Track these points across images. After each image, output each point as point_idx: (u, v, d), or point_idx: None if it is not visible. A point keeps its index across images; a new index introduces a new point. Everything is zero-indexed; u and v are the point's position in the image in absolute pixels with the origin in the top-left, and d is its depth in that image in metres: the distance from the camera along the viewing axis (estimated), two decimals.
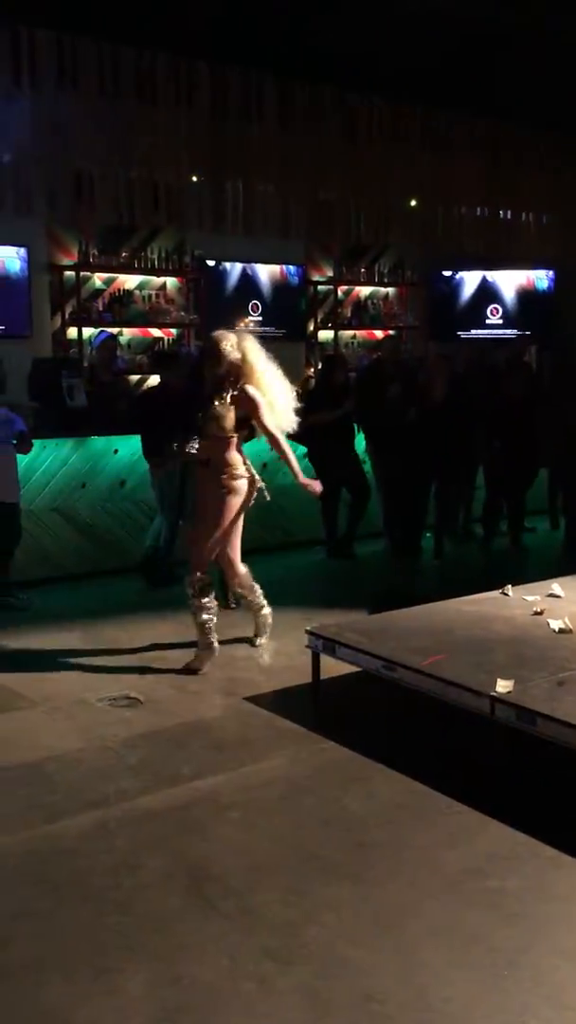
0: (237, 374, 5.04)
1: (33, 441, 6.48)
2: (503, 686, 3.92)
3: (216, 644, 5.22)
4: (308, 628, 4.94)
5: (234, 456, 5.14)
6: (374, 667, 4.52)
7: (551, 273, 11.45)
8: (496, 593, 5.43)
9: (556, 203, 11.75)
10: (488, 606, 5.23)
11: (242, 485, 5.15)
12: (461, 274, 11.30)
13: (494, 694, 3.88)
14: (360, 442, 8.07)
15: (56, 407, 7.13)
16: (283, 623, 5.84)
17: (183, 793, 3.81)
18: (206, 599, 5.14)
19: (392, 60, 8.59)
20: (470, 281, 11.31)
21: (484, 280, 11.28)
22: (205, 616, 5.14)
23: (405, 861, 3.32)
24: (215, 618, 5.18)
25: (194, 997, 2.64)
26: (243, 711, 4.66)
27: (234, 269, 10.01)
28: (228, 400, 5.05)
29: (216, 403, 5.05)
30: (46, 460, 6.97)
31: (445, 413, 7.60)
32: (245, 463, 5.19)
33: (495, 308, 11.28)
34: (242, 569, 5.40)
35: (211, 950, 2.83)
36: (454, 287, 11.32)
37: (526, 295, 11.33)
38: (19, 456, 6.42)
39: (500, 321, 11.24)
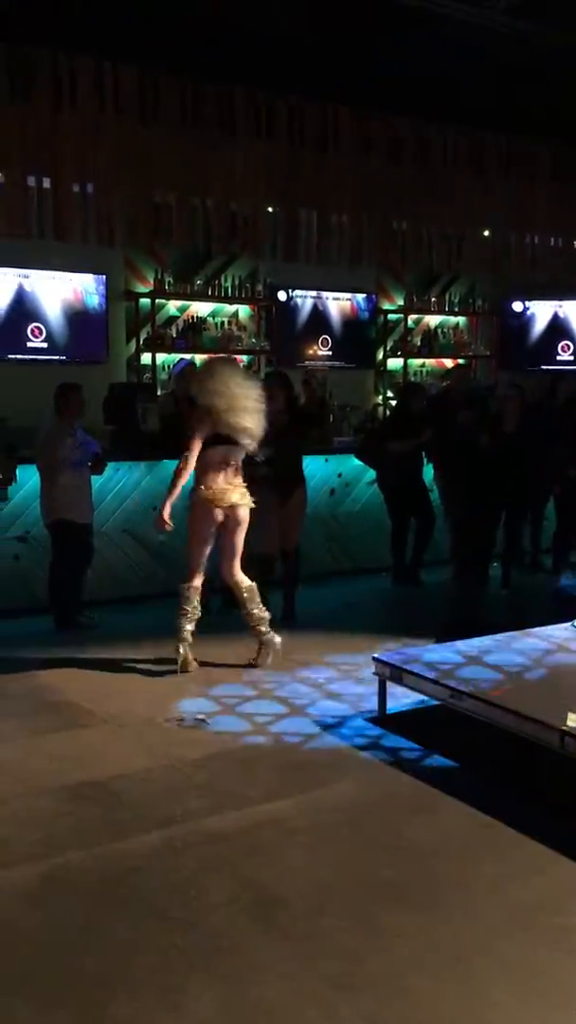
0: None
1: (107, 463, 6.62)
2: (574, 719, 3.87)
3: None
4: (375, 655, 4.95)
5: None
6: (441, 696, 4.51)
7: None
8: (566, 625, 5.37)
9: None
10: (557, 638, 5.18)
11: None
12: (533, 308, 11.25)
13: (564, 728, 3.84)
14: (428, 470, 8.06)
15: (131, 431, 7.26)
16: (349, 649, 5.85)
17: (250, 815, 3.83)
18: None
19: (466, 88, 8.63)
20: (542, 315, 11.26)
21: (556, 316, 11.24)
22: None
23: (473, 893, 3.29)
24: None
25: (258, 1020, 2.65)
26: (310, 736, 4.66)
27: (305, 304, 10.14)
28: None
29: None
30: (119, 482, 7.10)
31: (517, 442, 7.55)
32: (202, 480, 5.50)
33: (566, 344, 11.22)
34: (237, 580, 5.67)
35: (275, 973, 2.84)
36: (525, 321, 11.28)
37: None
38: (93, 477, 6.56)
39: (571, 357, 11.17)
